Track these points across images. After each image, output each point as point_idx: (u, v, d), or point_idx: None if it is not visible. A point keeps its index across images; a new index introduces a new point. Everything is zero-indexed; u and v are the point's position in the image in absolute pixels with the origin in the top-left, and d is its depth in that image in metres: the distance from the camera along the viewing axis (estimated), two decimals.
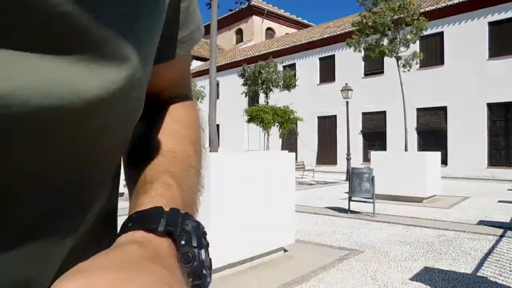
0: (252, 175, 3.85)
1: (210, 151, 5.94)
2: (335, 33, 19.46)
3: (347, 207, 7.07)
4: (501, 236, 5.21)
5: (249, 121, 15.50)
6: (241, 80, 17.43)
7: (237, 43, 34.89)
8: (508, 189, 11.23)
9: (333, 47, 19.65)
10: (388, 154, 9.56)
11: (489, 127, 14.78)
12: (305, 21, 36.97)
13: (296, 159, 19.38)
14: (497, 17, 14.66)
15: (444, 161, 14.98)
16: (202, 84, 22.50)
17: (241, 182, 3.72)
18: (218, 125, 23.53)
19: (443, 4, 15.74)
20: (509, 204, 8.14)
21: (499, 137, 14.66)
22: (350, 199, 6.74)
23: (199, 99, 22.04)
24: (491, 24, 14.81)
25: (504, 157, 14.51)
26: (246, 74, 16.75)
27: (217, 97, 23.67)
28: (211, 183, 3.42)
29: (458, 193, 10.25)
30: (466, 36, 15.34)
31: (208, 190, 3.43)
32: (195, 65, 28.35)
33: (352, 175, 6.47)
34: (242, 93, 17.75)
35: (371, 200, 6.56)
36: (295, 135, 20.05)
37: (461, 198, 9.08)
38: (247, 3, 31.81)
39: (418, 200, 8.31)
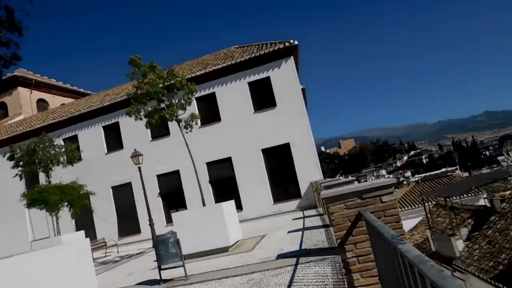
0: (39, 277, 3.19)
1: None
2: (115, 100, 19.19)
3: (159, 277, 6.70)
4: (296, 264, 5.85)
5: (29, 206, 13.27)
6: (11, 162, 14.92)
7: (1, 118, 30.12)
8: (293, 219, 12.96)
9: (115, 114, 19.27)
10: (188, 212, 9.70)
11: (268, 168, 17.06)
12: (81, 90, 35.23)
13: (96, 237, 17.55)
14: (253, 78, 17.50)
15: (239, 206, 16.29)
16: None
17: None
18: None
19: (210, 69, 17.77)
20: (296, 233, 9.34)
21: (277, 175, 17.07)
22: (160, 268, 6.43)
23: None
24: (250, 84, 17.54)
25: (283, 191, 16.89)
26: (17, 154, 14.47)
27: None
28: None
29: (256, 233, 11.15)
30: (234, 94, 17.63)
31: None
32: None
33: (157, 243, 6.22)
34: (15, 176, 15.16)
35: (181, 263, 6.41)
36: (90, 212, 18.25)
37: (259, 238, 9.90)
38: (6, 74, 28.06)
39: (225, 250, 8.62)
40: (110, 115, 19.48)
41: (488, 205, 17.88)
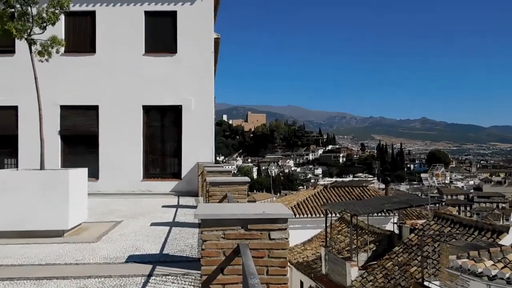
0: None
1: None
2: None
3: None
4: (149, 275, 5.78)
5: None
6: None
7: None
8: (163, 206, 12.91)
9: None
10: (13, 173, 9.00)
11: (146, 133, 16.65)
12: None
13: None
14: (153, 7, 16.72)
15: (95, 174, 15.70)
16: None
17: None
18: None
19: None
20: (161, 227, 9.30)
21: (156, 144, 16.78)
22: None
23: None
24: (147, 14, 16.74)
25: (159, 167, 16.72)
26: None
27: None
28: None
29: (110, 216, 10.88)
30: (122, 22, 16.68)
31: None
32: None
33: None
34: None
35: None
36: None
37: (112, 224, 9.64)
38: None
39: (59, 234, 8.21)
40: None
41: (396, 231, 19.86)
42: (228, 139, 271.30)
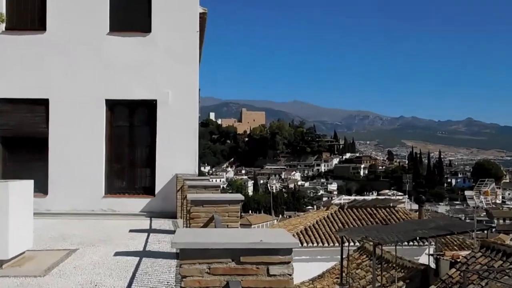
0: None
1: None
2: None
3: None
4: None
5: None
6: None
7: None
8: (130, 230, 12.92)
9: None
10: None
11: (109, 135, 16.63)
12: None
13: None
14: None
15: (43, 188, 15.66)
16: None
17: None
18: None
19: None
20: (128, 258, 9.31)
21: (122, 150, 16.79)
22: None
23: None
24: None
25: (126, 180, 16.70)
26: None
27: None
28: None
29: (62, 242, 10.87)
30: None
31: None
32: None
33: None
34: None
35: None
36: None
37: (64, 253, 9.63)
38: None
39: None
40: None
41: (432, 265, 19.87)
42: (217, 143, 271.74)
